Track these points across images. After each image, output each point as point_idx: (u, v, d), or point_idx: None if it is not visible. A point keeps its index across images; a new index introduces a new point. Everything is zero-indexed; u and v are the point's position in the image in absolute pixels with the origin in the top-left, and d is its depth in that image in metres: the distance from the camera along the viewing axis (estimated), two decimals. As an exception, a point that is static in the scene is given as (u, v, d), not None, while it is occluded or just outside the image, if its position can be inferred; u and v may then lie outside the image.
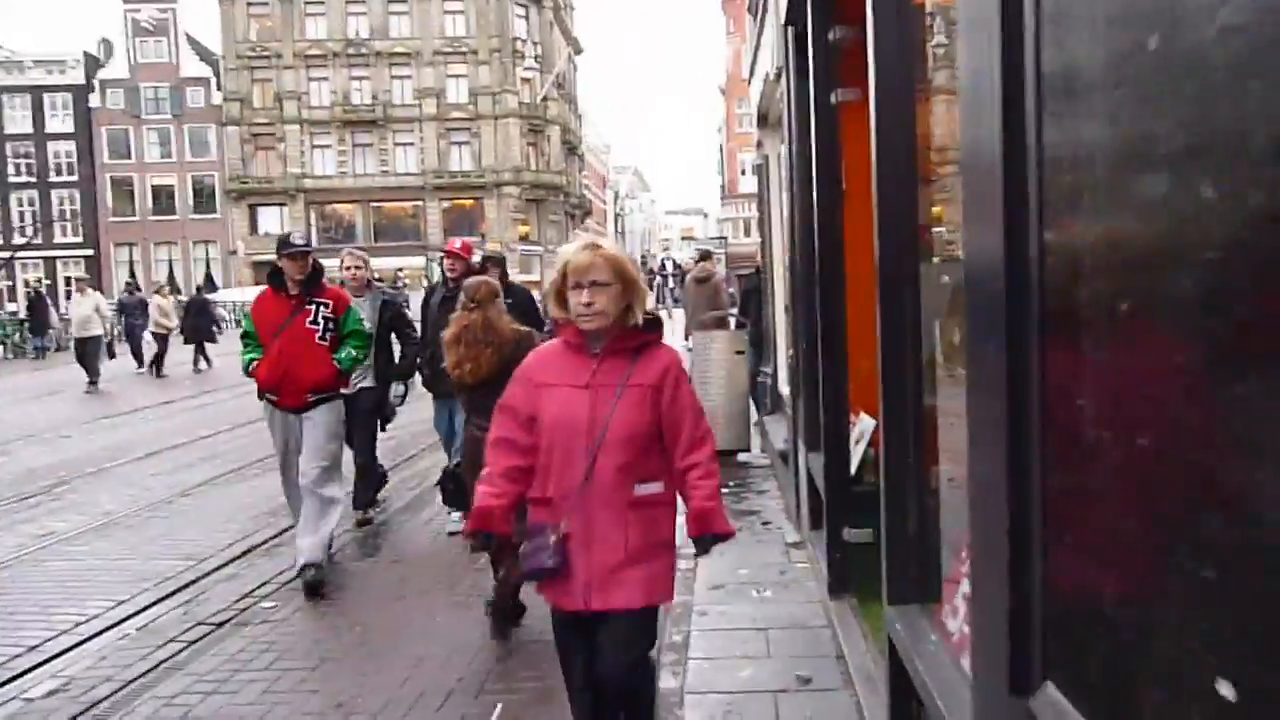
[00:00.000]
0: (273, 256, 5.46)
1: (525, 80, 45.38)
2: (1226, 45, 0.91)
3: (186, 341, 19.53)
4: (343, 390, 5.57)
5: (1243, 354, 0.89)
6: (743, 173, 45.42)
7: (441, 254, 6.46)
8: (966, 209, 1.69)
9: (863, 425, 4.44)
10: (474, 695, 3.91)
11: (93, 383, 16.00)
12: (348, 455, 6.03)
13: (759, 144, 10.29)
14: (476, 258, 6.61)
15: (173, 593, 5.36)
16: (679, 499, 2.82)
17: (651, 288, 30.14)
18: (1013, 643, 1.38)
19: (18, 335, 26.05)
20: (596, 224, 64.49)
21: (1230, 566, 0.90)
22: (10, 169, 45.93)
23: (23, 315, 27.60)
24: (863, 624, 4.05)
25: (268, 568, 5.72)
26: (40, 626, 4.87)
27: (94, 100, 46.38)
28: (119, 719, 3.82)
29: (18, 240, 41.97)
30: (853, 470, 4.44)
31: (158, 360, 18.41)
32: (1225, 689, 0.88)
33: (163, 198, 47.02)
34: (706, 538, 2.76)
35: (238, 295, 34.31)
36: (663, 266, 42.02)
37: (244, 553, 6.11)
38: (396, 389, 6.67)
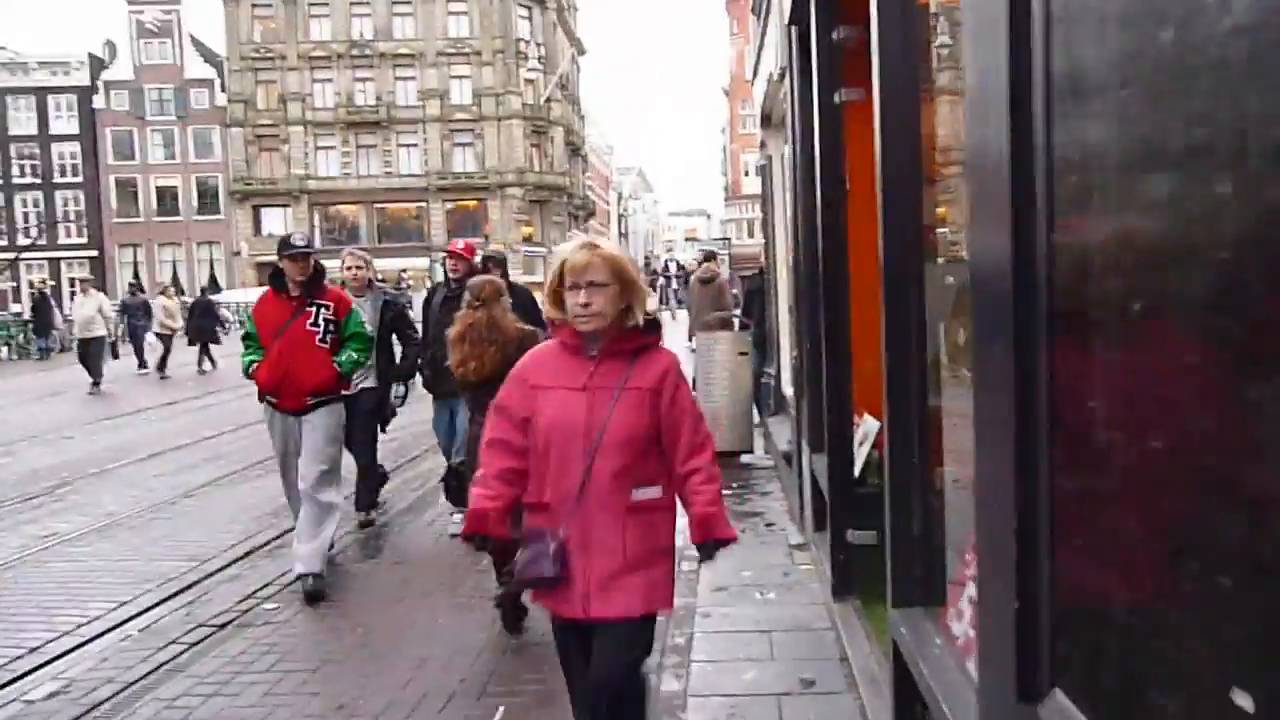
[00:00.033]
0: (276, 258, 5.44)
1: (529, 81, 45.37)
2: (1237, 44, 0.89)
3: (191, 342, 19.58)
4: (344, 391, 5.54)
5: (1258, 354, 0.87)
6: (746, 174, 45.40)
7: (444, 254, 6.45)
8: (973, 209, 1.68)
9: (867, 426, 4.42)
10: (476, 697, 3.90)
11: (96, 384, 16.02)
12: (348, 458, 6.01)
13: (762, 144, 10.27)
14: (478, 258, 6.60)
15: (175, 594, 5.35)
16: (678, 504, 2.77)
17: (654, 289, 30.16)
18: (1020, 648, 1.36)
19: (22, 336, 26.10)
20: (600, 225, 64.50)
21: (1246, 572, 0.88)
22: (15, 170, 46.03)
23: (27, 316, 27.63)
24: (867, 626, 4.03)
25: (270, 569, 5.71)
26: (42, 628, 4.86)
27: (98, 102, 46.48)
28: (120, 721, 3.81)
29: (22, 241, 42.07)
30: (857, 472, 4.42)
31: (162, 361, 18.44)
32: (1242, 699, 0.85)
33: (167, 199, 47.10)
34: (710, 543, 2.70)
35: (241, 296, 34.32)
36: (666, 268, 42.03)
37: (246, 554, 6.10)
38: (397, 389, 6.66)
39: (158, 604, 5.19)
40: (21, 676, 4.29)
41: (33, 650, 4.56)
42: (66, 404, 14.92)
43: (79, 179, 46.58)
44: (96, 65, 47.26)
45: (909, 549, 2.80)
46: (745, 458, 8.49)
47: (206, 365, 18.95)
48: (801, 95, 5.18)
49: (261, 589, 5.35)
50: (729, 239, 38.66)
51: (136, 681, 4.16)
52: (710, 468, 2.69)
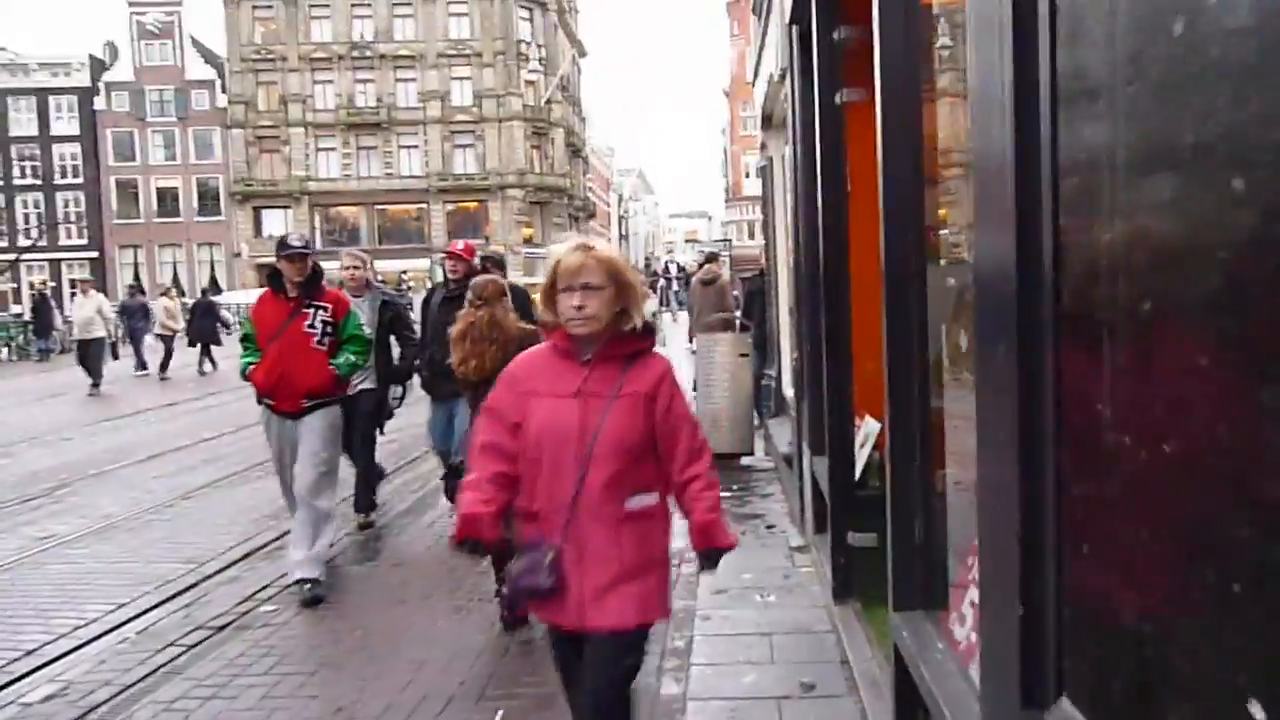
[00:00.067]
0: (274, 259, 5.42)
1: (529, 83, 45.36)
2: (1244, 43, 0.88)
3: (191, 344, 19.57)
4: (344, 393, 5.50)
5: (1269, 356, 0.85)
6: (747, 175, 45.39)
7: (444, 255, 6.43)
8: (977, 211, 1.66)
9: (868, 428, 4.40)
10: (475, 700, 3.88)
11: (95, 385, 16.00)
12: (345, 462, 5.98)
13: (763, 146, 10.26)
14: (477, 259, 6.58)
15: (173, 596, 5.33)
16: (677, 511, 2.71)
17: (655, 290, 30.15)
18: (1024, 655, 1.34)
19: (22, 337, 26.09)
20: (600, 226, 64.52)
21: (1262, 579, 0.86)
22: (15, 171, 46.05)
23: (27, 317, 27.63)
24: (868, 629, 4.01)
25: (269, 571, 5.69)
26: (39, 630, 4.84)
27: (99, 103, 46.51)
28: (117, 724, 3.79)
29: (23, 242, 42.07)
30: (858, 474, 4.41)
31: (164, 362, 18.43)
32: (1258, 711, 0.83)
33: (167, 200, 47.12)
34: (711, 551, 2.65)
35: (242, 298, 34.28)
36: (666, 269, 42.05)
37: (245, 556, 6.08)
38: (395, 390, 6.64)
39: (156, 606, 5.17)
40: (19, 679, 4.27)
41: (30, 652, 4.55)
42: (66, 405, 14.90)
43: (79, 180, 46.59)
44: (97, 66, 47.29)
45: (910, 552, 2.78)
46: (746, 459, 8.47)
47: (207, 366, 18.94)
48: (802, 96, 5.16)
49: (260, 591, 5.33)
50: (729, 240, 38.67)
51: (134, 684, 4.14)
52: (709, 474, 2.63)
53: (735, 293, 12.19)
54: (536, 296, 2.81)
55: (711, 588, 4.90)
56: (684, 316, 19.86)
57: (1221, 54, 0.93)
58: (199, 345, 19.25)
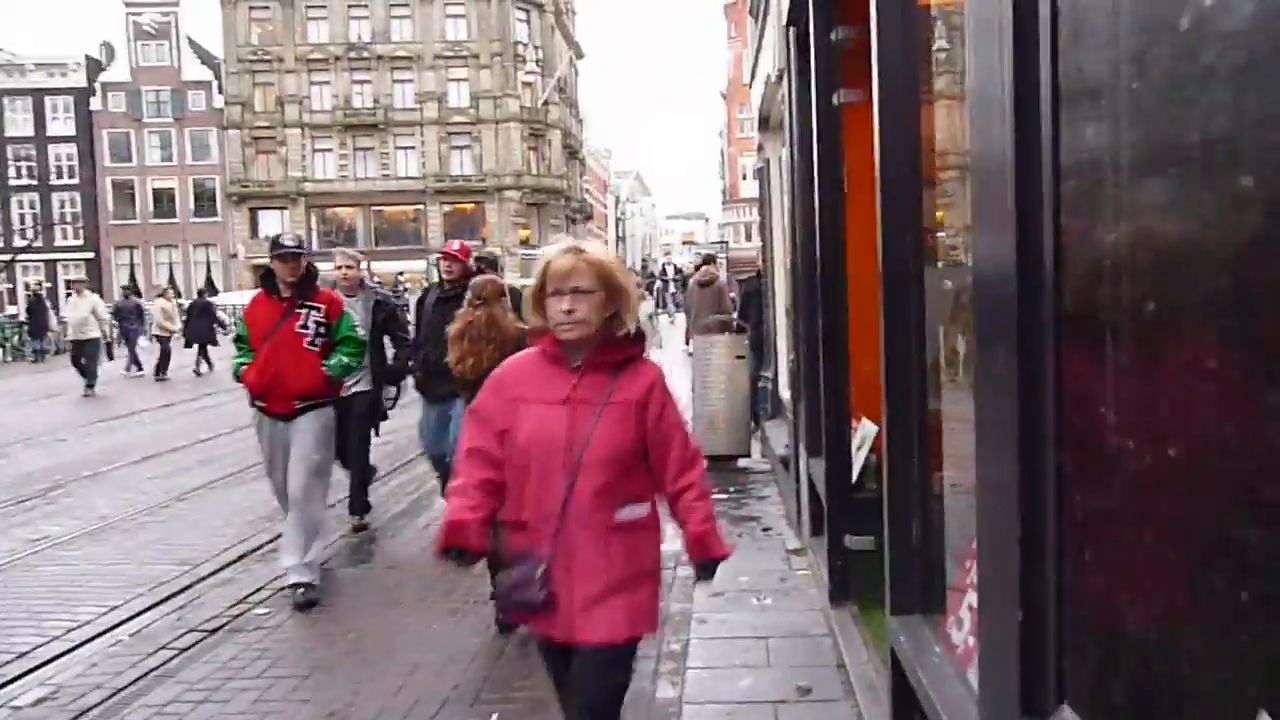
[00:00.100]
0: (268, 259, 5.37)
1: (526, 84, 45.38)
2: (1251, 43, 0.86)
3: (188, 344, 19.54)
4: (338, 394, 5.45)
5: (1273, 358, 0.83)
6: (744, 177, 45.44)
7: (439, 255, 6.40)
8: (976, 211, 1.65)
9: (864, 430, 4.38)
10: (469, 704, 3.85)
11: (90, 386, 15.94)
12: (336, 465, 5.94)
13: (760, 147, 10.25)
14: (472, 260, 6.56)
15: (166, 598, 5.30)
16: (669, 521, 2.63)
17: (651, 292, 30.14)
18: (1024, 660, 1.32)
19: (17, 338, 26.01)
20: (597, 228, 64.52)
21: (1271, 586, 0.84)
22: (11, 172, 45.90)
23: (23, 318, 27.55)
24: (864, 633, 3.99)
25: (263, 573, 5.66)
26: (31, 632, 4.81)
27: (95, 103, 46.40)
28: (108, 728, 3.76)
29: (18, 243, 41.97)
30: (854, 476, 4.39)
31: (163, 363, 18.36)
32: (1267, 721, 0.81)
33: (163, 201, 47.01)
34: (707, 562, 2.58)
35: (238, 299, 34.16)
36: (664, 271, 42.06)
37: (239, 558, 6.05)
38: (388, 391, 6.61)
39: (149, 608, 5.14)
40: (10, 682, 4.23)
41: (21, 655, 4.51)
42: (61, 406, 14.85)
43: (75, 181, 46.48)
44: (94, 67, 47.20)
45: (907, 555, 2.76)
46: (742, 461, 8.45)
47: (203, 367, 18.90)
48: (799, 97, 5.15)
49: (254, 593, 5.30)
50: (726, 242, 38.71)
51: (126, 687, 4.10)
52: (702, 484, 2.57)
53: (732, 294, 12.18)
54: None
55: (708, 591, 4.87)
56: (681, 318, 19.86)
57: (1226, 53, 0.91)
58: (196, 346, 19.24)
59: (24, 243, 41.36)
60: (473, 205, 46.39)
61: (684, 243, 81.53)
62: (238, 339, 5.35)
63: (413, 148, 46.56)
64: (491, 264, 6.69)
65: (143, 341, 19.78)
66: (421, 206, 46.28)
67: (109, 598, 5.30)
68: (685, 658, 4.13)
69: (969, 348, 2.10)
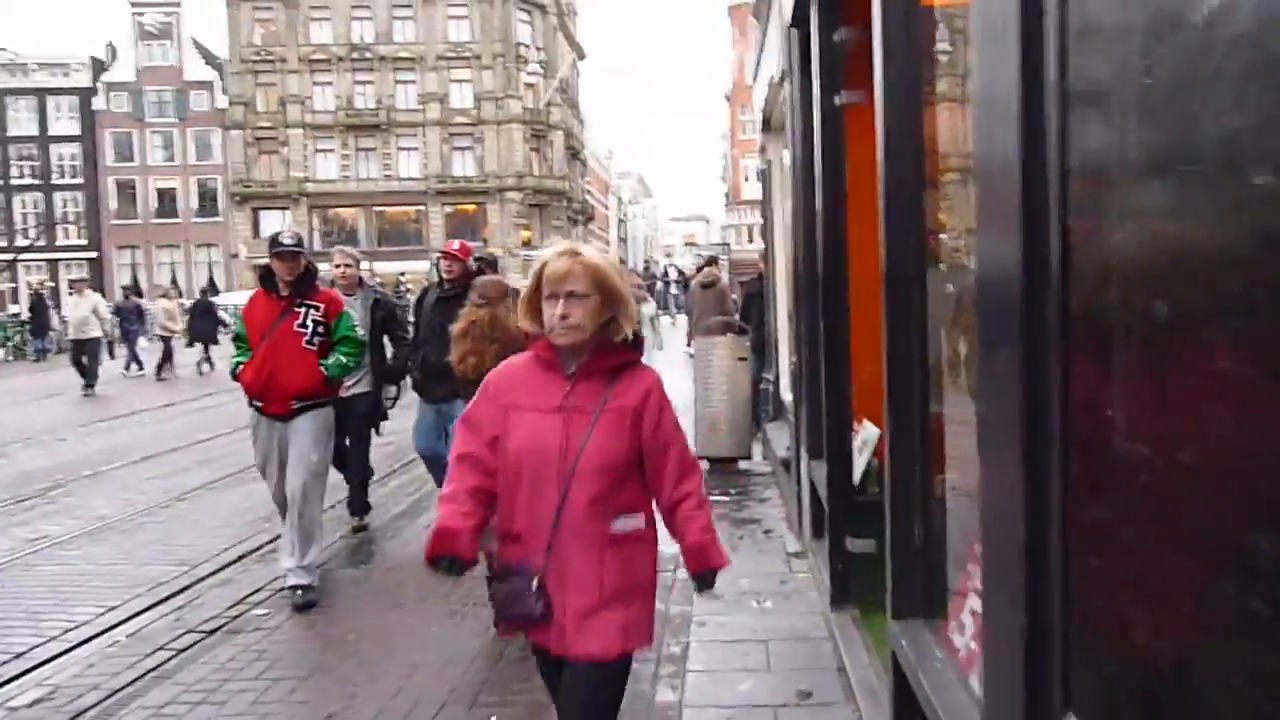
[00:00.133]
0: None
1: (529, 86, 45.39)
2: (1266, 40, 0.85)
3: (190, 344, 19.56)
4: (338, 394, 5.41)
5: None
6: (746, 179, 45.38)
7: (439, 255, 6.37)
8: (981, 213, 1.63)
9: (866, 433, 4.36)
10: (468, 706, 3.83)
11: (90, 385, 15.93)
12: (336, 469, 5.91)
13: (762, 149, 10.23)
14: (472, 259, 6.54)
15: (165, 599, 5.28)
16: (666, 533, 2.57)
17: (653, 293, 30.12)
18: (1029, 668, 1.30)
19: (19, 337, 26.03)
20: (599, 229, 64.52)
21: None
22: (14, 171, 45.99)
23: (25, 317, 27.57)
24: (865, 636, 3.97)
25: (262, 574, 5.65)
26: (28, 633, 4.79)
27: (98, 103, 46.46)
28: (105, 729, 3.75)
29: (21, 243, 42.00)
30: (856, 479, 4.37)
31: (167, 362, 18.35)
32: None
33: (166, 201, 47.07)
34: (706, 573, 2.53)
35: (240, 298, 34.17)
36: (665, 273, 42.06)
37: (238, 558, 6.03)
38: (388, 390, 6.59)
39: (147, 609, 5.12)
40: (6, 682, 4.21)
41: (18, 656, 4.49)
42: (62, 405, 14.84)
43: (78, 180, 46.54)
44: (97, 67, 47.25)
45: (909, 559, 2.74)
46: (743, 464, 8.43)
47: (205, 367, 18.92)
48: (802, 98, 5.14)
49: (252, 594, 5.28)
50: (728, 244, 38.70)
51: (123, 689, 4.09)
52: (700, 493, 2.51)
53: (734, 296, 12.16)
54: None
55: (708, 600, 4.85)
56: (682, 320, 19.85)
57: (1240, 51, 0.90)
58: (198, 345, 19.27)
59: (27, 242, 41.40)
60: (474, 206, 46.41)
61: (686, 244, 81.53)
62: (236, 338, 5.30)
63: (415, 148, 46.59)
64: (491, 264, 6.67)
65: (143, 341, 19.79)
66: (423, 207, 46.30)
67: (107, 598, 5.28)
68: (685, 661, 4.11)
69: (972, 350, 2.08)
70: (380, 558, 6.07)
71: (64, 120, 46.82)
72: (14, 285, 43.80)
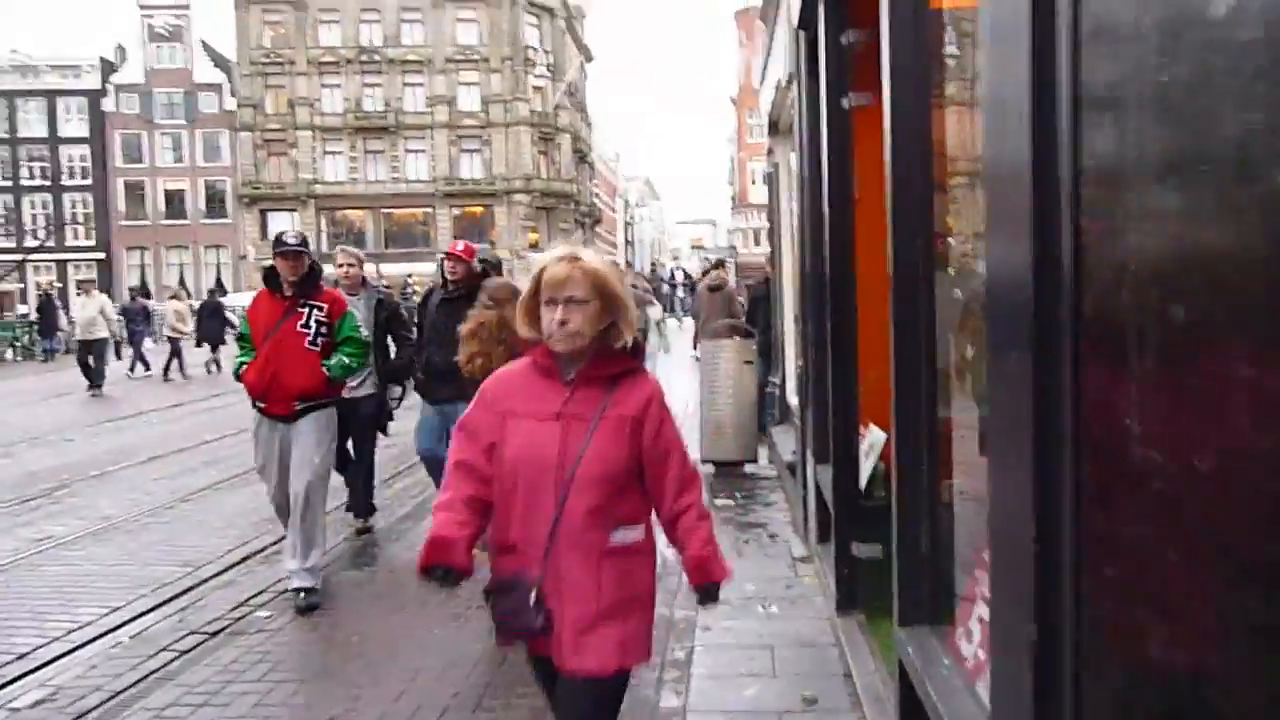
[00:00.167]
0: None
1: (537, 89, 45.50)
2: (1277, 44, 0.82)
3: (198, 344, 19.64)
4: (341, 395, 5.37)
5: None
6: (753, 182, 45.39)
7: (443, 256, 6.35)
8: (991, 215, 1.60)
9: (873, 438, 4.33)
10: (470, 710, 3.81)
11: (98, 386, 15.96)
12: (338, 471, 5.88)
13: (769, 152, 10.21)
14: (476, 260, 6.52)
15: (168, 600, 5.27)
16: (662, 544, 2.53)
17: (659, 296, 30.11)
18: (1038, 678, 1.28)
19: (27, 337, 26.14)
20: (606, 232, 64.57)
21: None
22: (24, 172, 46.21)
23: (33, 318, 27.70)
24: (871, 642, 3.94)
25: (266, 575, 5.63)
26: (31, 633, 4.78)
27: (108, 105, 46.69)
28: (106, 730, 3.74)
29: (30, 243, 42.21)
30: (862, 484, 4.34)
31: (178, 364, 18.39)
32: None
33: (174, 202, 47.28)
34: (710, 587, 2.47)
35: (247, 300, 34.26)
36: (672, 276, 42.04)
37: (243, 559, 6.03)
38: (393, 390, 6.57)
39: (150, 610, 5.11)
40: (9, 683, 4.20)
41: (21, 656, 4.49)
42: (69, 406, 14.88)
43: (88, 181, 46.78)
44: (107, 68, 47.50)
45: (916, 565, 2.72)
46: (749, 467, 8.41)
47: (213, 368, 19.00)
48: (809, 100, 5.12)
49: (256, 596, 5.27)
50: (735, 248, 38.69)
51: (125, 690, 4.07)
52: (700, 505, 2.46)
53: (740, 299, 12.14)
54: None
55: (710, 613, 4.82)
56: (689, 323, 19.83)
57: (1257, 49, 0.87)
58: (207, 345, 19.35)
59: (36, 243, 41.59)
60: (482, 208, 46.50)
61: (693, 248, 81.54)
62: (240, 338, 5.27)
63: (423, 151, 46.72)
64: (495, 267, 6.66)
65: (149, 343, 19.85)
66: (431, 209, 46.41)
67: (111, 599, 5.27)
68: (690, 665, 4.09)
69: (981, 354, 2.06)
70: (384, 560, 6.05)
71: (73, 122, 47.07)
72: (22, 286, 43.99)
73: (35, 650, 4.55)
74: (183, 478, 8.67)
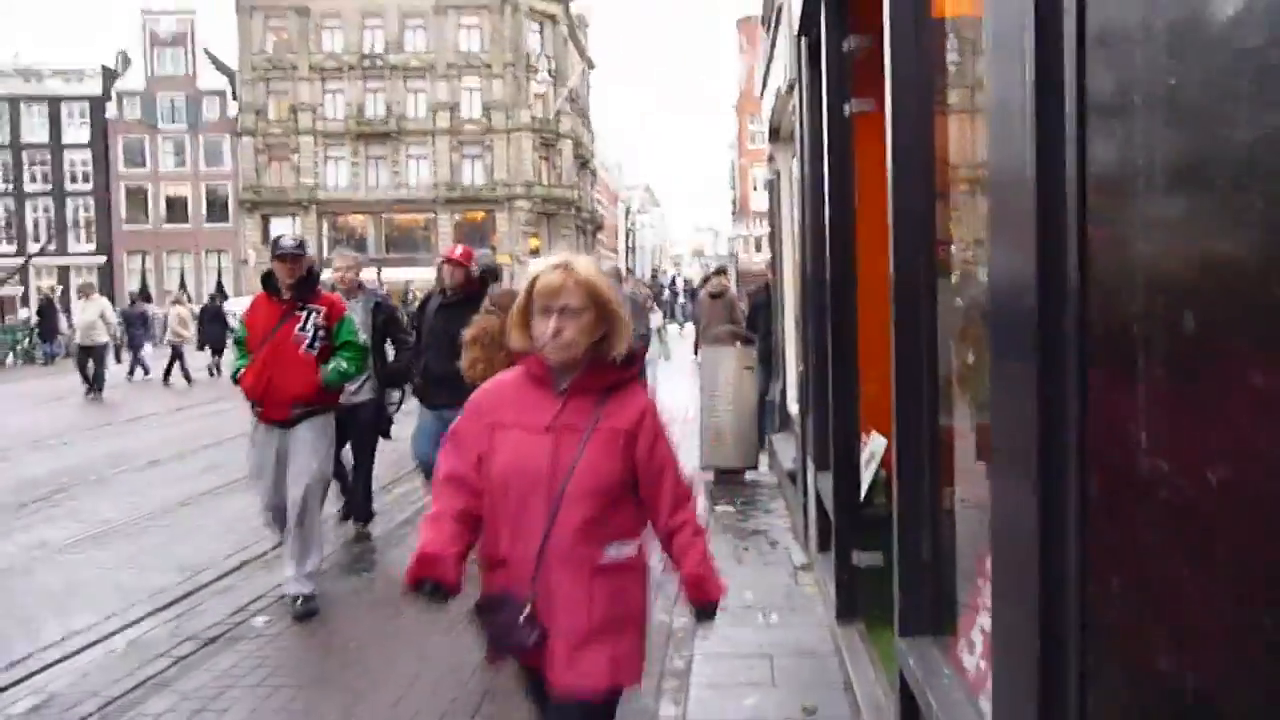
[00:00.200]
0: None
1: (539, 95, 45.56)
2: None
3: (200, 348, 19.65)
4: (338, 401, 5.34)
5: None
6: (755, 189, 45.49)
7: (441, 260, 6.33)
8: (994, 222, 1.59)
9: (874, 445, 4.31)
10: (469, 716, 3.80)
11: (97, 389, 15.95)
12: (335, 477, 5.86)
13: (770, 158, 10.21)
14: (475, 266, 6.50)
15: (165, 606, 5.25)
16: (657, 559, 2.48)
17: (660, 303, 30.11)
18: (1042, 692, 1.26)
19: (27, 341, 26.14)
20: (607, 239, 64.61)
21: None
22: (27, 177, 46.29)
23: (34, 322, 27.71)
24: (872, 651, 3.92)
25: (264, 581, 5.61)
26: (27, 640, 4.76)
27: (111, 110, 46.78)
28: (102, 737, 3.71)
29: (32, 248, 42.25)
30: (863, 492, 4.32)
31: (181, 369, 18.36)
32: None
33: (176, 207, 47.33)
34: (706, 604, 2.43)
35: (248, 304, 34.30)
36: (673, 283, 42.07)
37: (240, 565, 6.00)
38: (392, 394, 6.55)
39: (147, 616, 5.09)
40: (2, 690, 4.18)
41: (16, 663, 4.46)
42: (69, 410, 14.87)
43: (90, 186, 46.84)
44: (109, 74, 47.61)
45: (917, 575, 2.70)
46: (750, 475, 8.38)
47: (214, 372, 19.01)
48: (811, 107, 5.11)
49: (253, 602, 5.24)
50: (735, 255, 38.71)
51: (121, 696, 4.05)
52: (695, 521, 2.41)
53: (741, 305, 12.12)
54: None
55: (706, 632, 4.79)
56: (690, 329, 19.82)
57: (1267, 53, 0.86)
58: (209, 350, 19.37)
59: (38, 247, 41.63)
60: (483, 214, 46.51)
61: (694, 254, 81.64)
62: (238, 342, 5.26)
63: (424, 157, 46.76)
64: (494, 273, 6.64)
65: (148, 348, 19.86)
66: (433, 215, 46.43)
67: (107, 604, 5.25)
68: (688, 675, 4.06)
69: (983, 362, 2.04)
70: (382, 566, 6.03)
71: (76, 127, 47.15)
72: (24, 290, 44.00)
73: (29, 657, 4.54)
74: (182, 483, 8.65)
